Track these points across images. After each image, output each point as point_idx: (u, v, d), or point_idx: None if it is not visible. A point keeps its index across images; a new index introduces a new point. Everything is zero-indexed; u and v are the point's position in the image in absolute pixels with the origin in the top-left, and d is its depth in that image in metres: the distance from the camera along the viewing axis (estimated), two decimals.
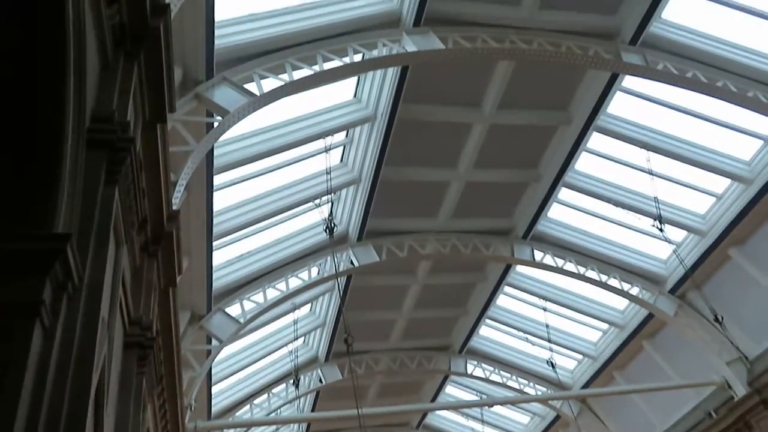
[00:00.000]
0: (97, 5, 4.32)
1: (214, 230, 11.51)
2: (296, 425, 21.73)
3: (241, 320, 13.36)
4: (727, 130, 13.32)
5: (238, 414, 17.48)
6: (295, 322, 16.28)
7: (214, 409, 16.47)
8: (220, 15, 8.55)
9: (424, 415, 23.43)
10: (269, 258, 13.99)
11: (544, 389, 19.52)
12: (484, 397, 21.06)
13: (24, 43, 3.56)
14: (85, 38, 3.90)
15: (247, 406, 17.80)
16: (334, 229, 12.30)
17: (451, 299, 17.95)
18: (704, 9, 11.65)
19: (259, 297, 13.76)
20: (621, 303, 17.21)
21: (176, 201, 7.62)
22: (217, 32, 8.63)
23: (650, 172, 13.86)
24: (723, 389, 15.10)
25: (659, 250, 15.78)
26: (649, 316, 16.34)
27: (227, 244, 13.18)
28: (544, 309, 17.84)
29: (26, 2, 3.47)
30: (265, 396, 18.10)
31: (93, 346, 3.50)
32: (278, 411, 18.23)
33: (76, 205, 3.92)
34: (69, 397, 3.27)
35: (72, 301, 3.51)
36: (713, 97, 11.78)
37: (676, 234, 15.03)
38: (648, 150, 13.65)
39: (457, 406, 21.25)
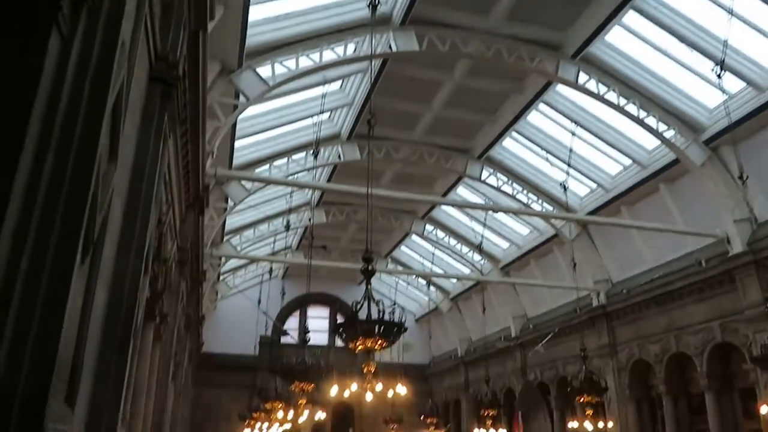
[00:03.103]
0: None
1: None
2: (310, 192, 22.84)
3: (270, 83, 13.35)
4: None
5: (257, 171, 18.36)
6: (324, 96, 16.31)
7: (234, 162, 17.28)
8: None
9: (431, 208, 24.53)
10: (307, 24, 13.50)
11: (551, 208, 20.09)
12: (491, 203, 21.76)
13: None
14: None
15: (266, 166, 18.62)
16: (378, 7, 11.66)
17: (482, 104, 17.66)
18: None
19: (291, 63, 13.57)
20: (652, 143, 16.86)
21: None
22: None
23: (731, 12, 12.64)
24: (721, 244, 15.48)
25: (710, 97, 15.02)
26: (675, 161, 16.14)
27: (266, 0, 12.64)
28: (573, 133, 17.59)
29: None
30: (284, 160, 18.83)
31: (111, 64, 3.51)
32: (296, 176, 19.09)
33: None
34: (83, 113, 3.28)
35: (92, 16, 3.44)
36: None
37: (734, 84, 14.18)
38: None
39: (465, 206, 22.05)
